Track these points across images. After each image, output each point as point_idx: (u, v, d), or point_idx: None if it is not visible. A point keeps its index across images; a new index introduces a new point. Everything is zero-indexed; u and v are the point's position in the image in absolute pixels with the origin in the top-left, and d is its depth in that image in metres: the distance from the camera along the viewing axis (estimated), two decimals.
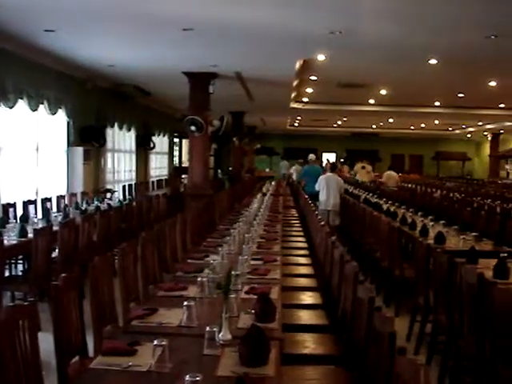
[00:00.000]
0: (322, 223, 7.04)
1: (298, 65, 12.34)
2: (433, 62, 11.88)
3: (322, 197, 11.73)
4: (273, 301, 3.69)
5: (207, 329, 2.99)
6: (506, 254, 5.35)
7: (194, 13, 7.93)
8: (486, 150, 35.41)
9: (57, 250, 6.87)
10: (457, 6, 7.80)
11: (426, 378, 2.10)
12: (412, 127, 31.98)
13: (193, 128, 12.33)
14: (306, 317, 4.75)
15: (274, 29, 8.92)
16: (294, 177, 22.33)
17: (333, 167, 13.27)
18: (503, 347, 3.71)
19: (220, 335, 3.09)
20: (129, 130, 16.28)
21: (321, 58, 11.57)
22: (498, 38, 9.49)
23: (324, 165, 22.99)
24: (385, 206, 10.85)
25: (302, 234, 8.79)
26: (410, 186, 21.37)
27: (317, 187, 11.98)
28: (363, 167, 22.19)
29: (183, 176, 20.69)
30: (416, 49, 10.72)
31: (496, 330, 3.81)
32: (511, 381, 3.59)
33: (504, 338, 3.69)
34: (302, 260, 6.84)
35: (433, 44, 10.31)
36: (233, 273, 4.20)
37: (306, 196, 12.36)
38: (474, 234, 7.14)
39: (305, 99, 19.98)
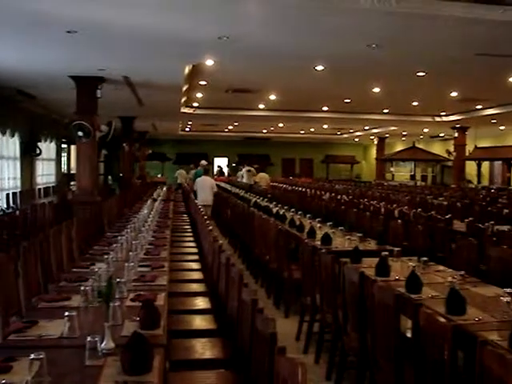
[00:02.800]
0: (210, 228, 7.04)
1: (187, 69, 12.32)
2: (319, 68, 12.22)
3: (199, 194, 14.32)
4: (158, 307, 3.65)
5: (88, 338, 2.91)
6: (387, 253, 5.56)
7: (78, 14, 7.70)
8: (373, 153, 36.81)
9: None
10: (340, 15, 8.06)
11: (303, 375, 2.15)
12: (302, 131, 32.73)
13: (80, 133, 12.01)
14: (194, 322, 4.74)
15: (160, 33, 8.85)
16: (179, 180, 24.95)
17: (206, 171, 15.83)
18: (383, 341, 3.86)
19: (103, 344, 3.02)
20: (12, 135, 15.63)
21: (209, 62, 11.61)
22: (379, 47, 9.90)
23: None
24: (274, 210, 11.01)
25: (192, 239, 8.78)
26: (300, 189, 21.82)
27: (195, 187, 14.91)
28: (249, 170, 24.29)
29: (72, 183, 20.13)
30: (303, 55, 10.97)
31: (376, 325, 3.95)
32: (390, 372, 3.74)
33: (383, 333, 3.84)
34: (192, 265, 6.84)
35: (319, 51, 10.59)
36: (118, 280, 4.14)
37: (197, 201, 13.29)
38: (358, 234, 7.37)
39: (195, 104, 19.99)
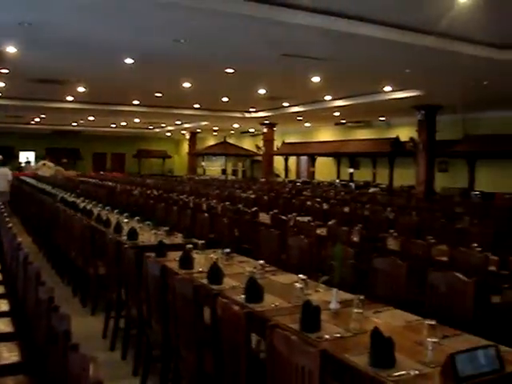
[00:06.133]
0: (10, 225, 6.66)
1: None
2: (129, 61, 12.09)
3: None
4: None
5: None
6: (191, 246, 5.64)
7: None
8: (186, 147, 37.14)
9: None
10: (147, 8, 8.03)
11: (96, 370, 2.12)
12: (113, 125, 32.14)
13: None
14: None
15: None
16: None
17: (4, 163, 17.89)
18: (185, 332, 3.91)
19: None
20: None
21: (11, 50, 11.00)
22: (187, 43, 10.01)
23: None
24: (82, 205, 10.70)
25: None
26: (110, 184, 21.41)
27: None
28: (44, 164, 28.82)
29: None
30: (111, 47, 10.80)
31: (178, 317, 3.99)
32: (192, 361, 3.79)
33: (185, 324, 3.89)
34: None
35: (127, 43, 10.48)
36: None
37: None
38: (165, 228, 7.38)
39: None
